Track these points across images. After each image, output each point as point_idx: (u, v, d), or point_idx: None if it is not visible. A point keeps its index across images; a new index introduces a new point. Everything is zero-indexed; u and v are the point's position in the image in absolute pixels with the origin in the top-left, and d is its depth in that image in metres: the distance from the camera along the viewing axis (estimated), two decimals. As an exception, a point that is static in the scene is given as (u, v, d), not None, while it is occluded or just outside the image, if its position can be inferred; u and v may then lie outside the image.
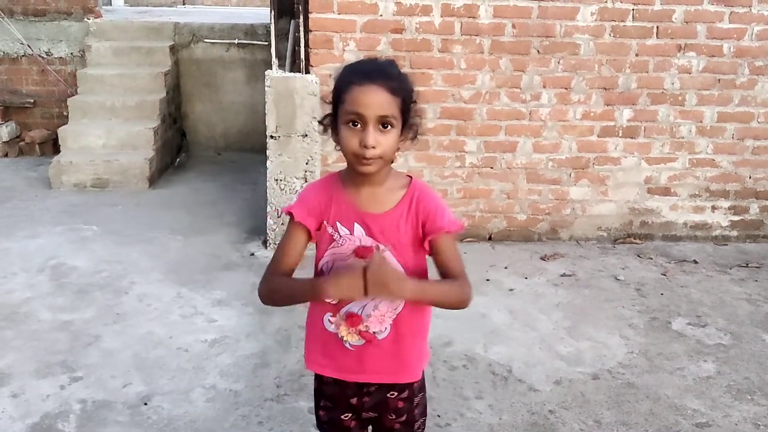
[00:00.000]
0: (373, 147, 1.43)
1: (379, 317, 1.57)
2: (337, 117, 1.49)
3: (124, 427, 2.49)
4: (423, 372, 1.71)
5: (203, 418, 2.55)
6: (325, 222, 1.56)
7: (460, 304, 1.56)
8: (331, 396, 1.69)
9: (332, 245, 1.57)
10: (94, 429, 2.47)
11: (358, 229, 1.54)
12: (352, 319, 1.58)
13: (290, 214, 1.57)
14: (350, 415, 1.69)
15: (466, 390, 2.75)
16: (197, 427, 2.50)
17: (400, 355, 1.61)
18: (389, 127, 1.45)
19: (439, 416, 2.56)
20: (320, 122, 1.58)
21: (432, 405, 2.51)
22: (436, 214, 1.55)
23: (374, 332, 1.58)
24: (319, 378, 1.71)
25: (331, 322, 1.60)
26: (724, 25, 4.20)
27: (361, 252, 1.54)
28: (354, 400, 1.66)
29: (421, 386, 1.72)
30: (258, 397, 2.68)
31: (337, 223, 1.55)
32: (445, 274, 1.58)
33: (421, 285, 1.54)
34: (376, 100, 1.43)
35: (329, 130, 1.55)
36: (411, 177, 1.61)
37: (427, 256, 1.60)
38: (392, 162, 1.54)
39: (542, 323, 3.37)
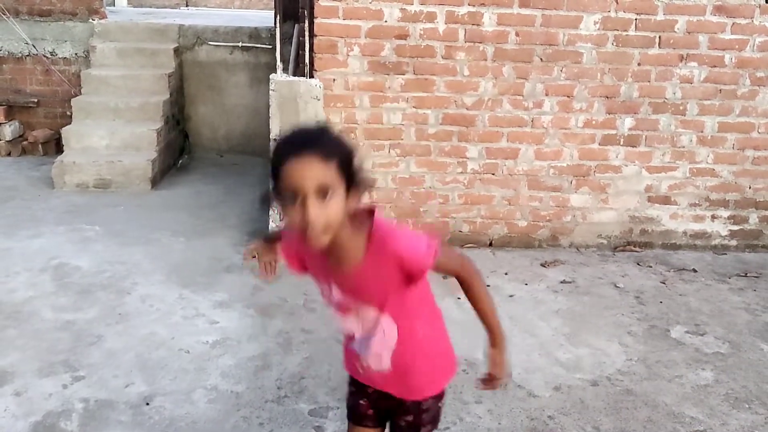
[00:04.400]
0: (316, 220, 1.36)
1: (377, 356, 1.63)
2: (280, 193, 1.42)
3: (126, 427, 2.50)
4: (443, 386, 1.75)
5: (204, 419, 2.56)
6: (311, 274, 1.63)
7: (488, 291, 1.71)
8: (355, 381, 1.78)
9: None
10: (96, 428, 2.49)
11: (334, 287, 1.58)
12: (356, 356, 1.67)
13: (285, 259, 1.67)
14: (367, 402, 1.77)
15: (466, 394, 2.76)
16: (198, 428, 2.51)
17: (406, 381, 1.67)
18: (330, 195, 1.36)
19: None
20: (263, 200, 1.61)
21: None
22: (411, 254, 1.50)
23: (376, 369, 1.65)
24: (350, 379, 1.82)
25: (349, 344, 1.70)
26: (725, 36, 4.23)
27: (341, 308, 1.61)
28: (370, 389, 1.74)
29: (435, 396, 1.73)
30: (259, 399, 2.69)
31: (318, 278, 1.62)
32: (457, 279, 1.66)
33: (498, 335, 1.74)
34: (309, 173, 1.34)
35: (277, 205, 1.48)
36: (370, 226, 1.51)
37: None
38: (344, 225, 1.45)
39: (542, 330, 3.38)
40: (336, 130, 1.46)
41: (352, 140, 1.48)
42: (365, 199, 1.48)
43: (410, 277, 1.52)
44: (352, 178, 1.42)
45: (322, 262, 1.54)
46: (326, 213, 1.37)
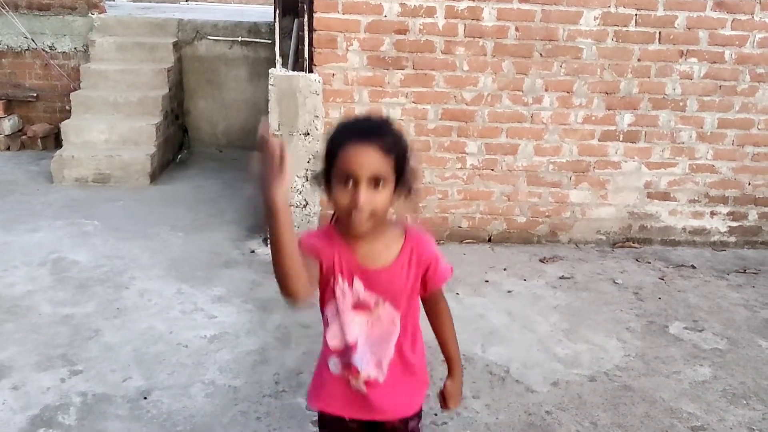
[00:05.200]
0: (366, 204, 1.42)
1: (377, 362, 1.61)
2: (330, 172, 1.47)
3: (123, 421, 2.51)
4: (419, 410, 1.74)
5: (202, 413, 2.57)
6: (331, 273, 1.55)
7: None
8: (330, 423, 1.71)
9: (334, 296, 1.58)
10: (93, 422, 2.49)
11: (357, 283, 1.55)
12: (350, 370, 1.62)
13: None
14: None
15: (464, 389, 2.75)
16: (196, 422, 2.51)
17: (402, 392, 1.66)
18: (381, 185, 1.43)
19: (435, 415, 2.57)
20: (314, 179, 1.56)
21: (428, 404, 2.52)
22: (437, 264, 1.60)
23: (375, 378, 1.61)
24: (321, 419, 1.74)
25: (336, 365, 1.63)
26: (726, 32, 4.22)
27: (359, 306, 1.57)
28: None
29: (418, 412, 1.74)
30: (257, 393, 2.70)
31: (339, 276, 1.55)
32: (428, 300, 1.68)
33: (458, 367, 1.77)
34: (368, 160, 1.41)
35: (323, 185, 1.53)
36: (405, 225, 1.60)
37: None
38: (385, 218, 1.52)
39: (540, 325, 3.39)
40: (398, 127, 1.51)
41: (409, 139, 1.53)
42: (411, 201, 1.55)
43: (426, 284, 1.60)
44: (403, 175, 1.49)
45: (349, 256, 1.54)
46: (375, 201, 1.43)
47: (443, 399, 1.77)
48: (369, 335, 1.59)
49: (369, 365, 1.60)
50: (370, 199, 1.42)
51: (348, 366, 1.62)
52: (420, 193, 1.59)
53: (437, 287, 1.63)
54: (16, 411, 2.54)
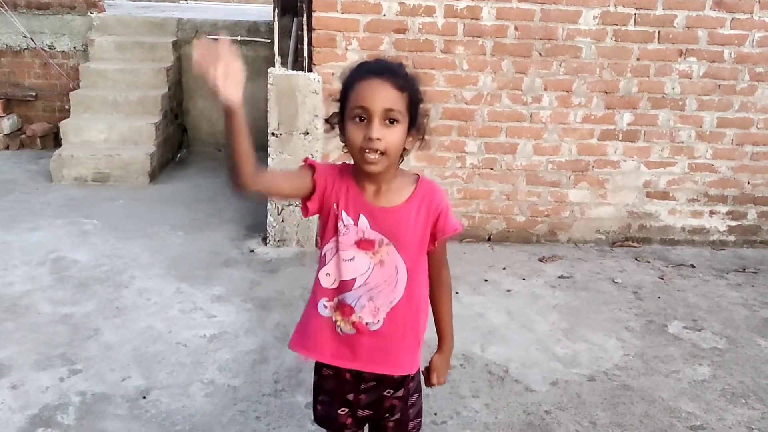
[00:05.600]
0: (378, 140, 1.43)
1: (373, 309, 1.58)
2: (344, 115, 1.49)
3: (122, 420, 2.51)
4: (419, 373, 1.73)
5: (201, 413, 2.56)
6: (334, 204, 1.55)
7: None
8: (329, 390, 1.70)
9: (336, 233, 1.56)
10: (93, 421, 2.49)
11: (362, 220, 1.54)
12: (344, 309, 1.58)
13: (306, 162, 1.57)
14: (346, 410, 1.69)
15: (463, 389, 2.77)
16: (195, 422, 2.51)
17: (392, 348, 1.62)
18: (395, 122, 1.45)
19: (435, 414, 2.58)
20: (326, 120, 1.57)
21: (428, 403, 2.54)
22: (447, 214, 1.59)
23: (367, 323, 1.58)
24: (318, 371, 1.72)
25: (326, 307, 1.60)
26: (725, 31, 4.22)
27: (362, 244, 1.55)
28: (351, 396, 1.67)
29: (417, 387, 1.74)
30: (256, 393, 2.70)
31: (343, 212, 1.54)
32: (431, 260, 1.65)
33: (449, 343, 1.74)
34: (381, 94, 1.43)
35: (334, 129, 1.55)
36: (418, 175, 1.62)
37: None
38: (400, 161, 1.54)
39: (539, 324, 3.39)
40: (414, 72, 1.54)
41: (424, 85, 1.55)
42: (421, 145, 1.56)
43: (435, 235, 1.58)
44: (415, 118, 1.50)
45: (358, 193, 1.54)
46: (388, 137, 1.44)
47: (428, 374, 1.76)
48: (370, 277, 1.56)
49: (364, 309, 1.57)
50: (384, 135, 1.43)
51: (341, 305, 1.58)
52: (431, 140, 1.60)
53: (445, 237, 1.60)
54: (15, 410, 2.53)
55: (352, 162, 1.54)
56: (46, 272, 3.76)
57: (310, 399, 2.45)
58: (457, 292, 3.65)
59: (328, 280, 1.59)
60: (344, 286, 1.58)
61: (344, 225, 1.55)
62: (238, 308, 3.42)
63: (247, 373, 2.84)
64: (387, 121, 1.44)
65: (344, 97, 1.49)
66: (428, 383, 1.77)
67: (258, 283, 3.72)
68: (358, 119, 1.44)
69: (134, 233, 4.39)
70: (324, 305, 1.61)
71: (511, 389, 2.80)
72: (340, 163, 1.61)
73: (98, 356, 2.93)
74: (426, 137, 1.56)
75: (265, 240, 4.30)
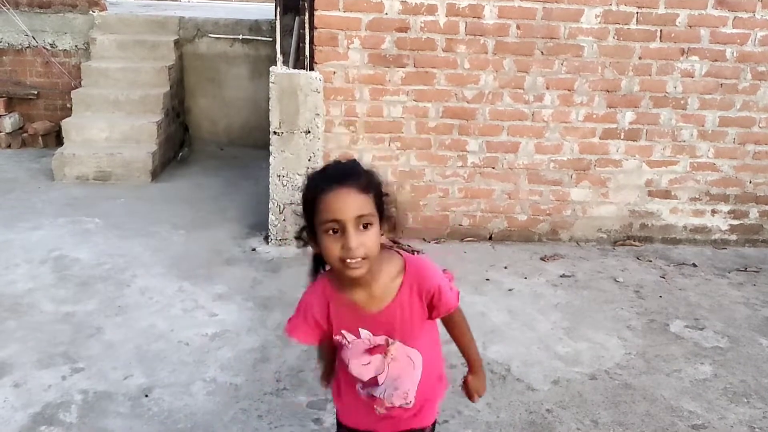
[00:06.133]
0: (357, 248, 1.40)
1: (402, 394, 1.61)
2: (314, 227, 1.45)
3: (124, 419, 2.51)
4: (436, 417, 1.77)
5: (203, 411, 2.57)
6: (333, 335, 1.59)
7: None
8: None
9: (344, 348, 1.59)
10: (95, 420, 2.50)
11: (364, 332, 1.56)
12: (375, 401, 1.63)
13: (291, 336, 1.63)
14: None
15: (465, 388, 2.77)
16: (197, 420, 2.52)
17: (423, 410, 1.68)
18: (369, 225, 1.42)
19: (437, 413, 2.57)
20: (297, 237, 1.54)
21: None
22: (441, 293, 1.56)
23: (399, 405, 1.63)
24: (339, 426, 1.77)
25: (361, 392, 1.65)
26: (727, 30, 4.21)
27: (373, 351, 1.58)
28: None
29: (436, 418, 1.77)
30: (258, 391, 2.70)
31: (342, 332, 1.56)
32: (456, 335, 1.72)
33: (479, 362, 1.78)
34: (350, 203, 1.39)
35: (309, 242, 1.52)
36: (402, 255, 1.57)
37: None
38: (377, 257, 1.50)
39: (541, 323, 3.39)
40: (367, 164, 1.52)
41: (382, 174, 1.54)
42: (393, 233, 1.54)
43: (432, 314, 1.59)
44: (383, 211, 1.48)
45: (348, 308, 1.54)
46: (366, 242, 1.41)
47: (469, 392, 1.80)
48: (389, 372, 1.60)
49: (393, 396, 1.61)
50: (361, 241, 1.40)
51: (371, 397, 1.63)
52: (403, 220, 1.59)
53: (444, 315, 1.62)
54: (18, 408, 2.54)
55: (327, 277, 1.57)
56: (47, 271, 3.77)
57: (312, 398, 2.45)
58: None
59: (356, 377, 1.63)
60: (370, 383, 1.62)
61: (348, 342, 1.57)
62: (239, 307, 3.43)
63: (248, 371, 2.84)
64: (361, 227, 1.41)
65: (311, 209, 1.44)
66: (471, 399, 1.82)
67: (260, 281, 3.72)
68: (331, 231, 1.41)
69: (136, 232, 4.40)
70: (360, 389, 1.65)
71: (512, 388, 2.80)
72: (315, 284, 1.60)
73: (100, 355, 2.94)
74: (396, 225, 1.53)
75: (267, 239, 4.30)
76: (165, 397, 2.64)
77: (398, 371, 1.60)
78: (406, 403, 1.62)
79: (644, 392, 2.81)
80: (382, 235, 1.48)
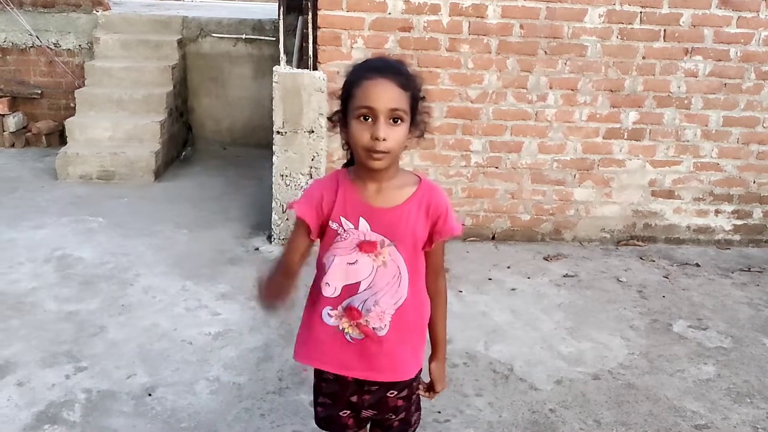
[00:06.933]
0: (384, 140, 1.44)
1: (380, 313, 1.58)
2: (347, 113, 1.49)
3: (128, 417, 2.51)
4: (421, 369, 1.73)
5: (206, 410, 2.57)
6: (330, 221, 1.56)
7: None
8: (330, 393, 1.70)
9: (336, 239, 1.57)
10: (98, 418, 2.50)
11: (363, 223, 1.54)
12: (352, 313, 1.59)
13: (293, 208, 1.59)
14: (349, 412, 1.70)
15: (466, 387, 2.77)
16: (200, 419, 2.52)
17: (398, 353, 1.62)
18: (399, 121, 1.46)
19: (438, 412, 2.58)
20: (329, 118, 1.58)
21: (431, 401, 2.53)
22: (447, 215, 1.58)
23: (374, 328, 1.58)
24: (318, 374, 1.72)
25: (331, 316, 1.61)
26: (731, 30, 4.20)
27: (364, 246, 1.55)
28: (354, 398, 1.67)
29: (420, 382, 1.74)
30: (261, 390, 2.70)
31: (341, 218, 1.55)
32: (429, 266, 1.65)
33: (444, 350, 1.75)
34: (387, 94, 1.44)
35: (337, 126, 1.56)
36: (419, 176, 1.62)
37: None
38: (398, 157, 1.54)
39: (544, 323, 3.38)
40: (416, 70, 1.57)
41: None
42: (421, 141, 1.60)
43: (433, 236, 1.58)
44: (416, 115, 1.52)
45: (356, 197, 1.55)
46: (393, 136, 1.45)
47: (431, 384, 1.76)
48: (374, 279, 1.57)
49: (371, 313, 1.57)
50: (389, 134, 1.44)
51: (348, 310, 1.58)
52: (429, 138, 1.66)
53: (443, 239, 1.61)
54: (21, 407, 2.54)
55: (346, 167, 1.59)
56: (51, 270, 3.77)
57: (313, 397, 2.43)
58: (460, 291, 3.65)
59: (329, 290, 1.59)
60: (349, 291, 1.58)
61: (344, 230, 1.55)
62: (242, 306, 3.43)
63: (251, 370, 2.85)
64: (391, 120, 1.45)
65: (348, 95, 1.49)
66: (432, 393, 1.77)
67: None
68: (363, 118, 1.45)
69: (139, 231, 4.40)
70: (329, 314, 1.61)
71: (515, 388, 2.80)
72: (331, 172, 1.64)
73: (103, 354, 2.94)
74: (425, 135, 1.57)
75: (270, 238, 4.30)
76: (168, 396, 2.65)
77: (383, 282, 1.56)
78: (381, 327, 1.58)
79: (647, 392, 2.81)
80: (409, 138, 1.52)
